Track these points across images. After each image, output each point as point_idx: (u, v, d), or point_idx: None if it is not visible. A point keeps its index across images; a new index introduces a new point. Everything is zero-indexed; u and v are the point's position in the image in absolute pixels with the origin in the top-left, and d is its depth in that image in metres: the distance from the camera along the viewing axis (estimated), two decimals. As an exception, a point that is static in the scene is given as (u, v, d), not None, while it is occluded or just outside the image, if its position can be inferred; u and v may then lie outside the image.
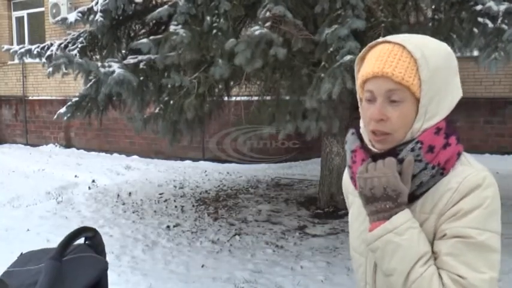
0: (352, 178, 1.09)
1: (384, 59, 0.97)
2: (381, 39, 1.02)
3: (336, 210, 5.35)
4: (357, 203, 1.10)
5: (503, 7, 3.40)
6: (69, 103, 4.63)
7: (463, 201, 0.94)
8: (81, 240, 1.10)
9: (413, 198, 0.98)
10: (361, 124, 1.07)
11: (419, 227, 0.96)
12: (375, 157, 1.00)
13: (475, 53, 4.02)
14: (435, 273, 0.92)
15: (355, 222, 1.13)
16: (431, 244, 0.96)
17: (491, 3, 3.42)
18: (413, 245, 0.93)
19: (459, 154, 1.00)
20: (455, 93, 1.01)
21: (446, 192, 0.96)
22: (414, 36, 1.02)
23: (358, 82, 1.04)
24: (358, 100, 1.07)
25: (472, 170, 0.97)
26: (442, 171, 0.97)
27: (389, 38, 1.01)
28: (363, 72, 1.01)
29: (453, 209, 0.94)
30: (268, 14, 3.15)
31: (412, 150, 0.96)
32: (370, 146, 1.03)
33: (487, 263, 0.92)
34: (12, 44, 11.13)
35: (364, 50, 1.04)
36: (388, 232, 0.95)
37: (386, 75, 0.95)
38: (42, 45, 5.30)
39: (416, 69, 0.95)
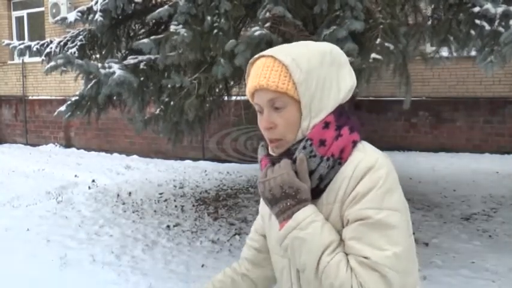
0: None
1: (258, 72, 1.03)
2: (257, 55, 1.08)
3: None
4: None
5: (500, 9, 3.40)
6: (69, 102, 4.63)
7: (359, 185, 0.98)
8: None
9: (319, 192, 1.03)
10: None
11: (322, 219, 0.99)
12: (274, 161, 1.05)
13: (474, 52, 4.02)
14: (342, 259, 0.96)
15: (274, 228, 1.14)
16: (340, 233, 1.00)
17: (488, 6, 3.42)
18: (317, 237, 0.97)
19: (355, 142, 1.04)
20: (342, 86, 1.05)
21: (343, 180, 1.00)
22: (288, 45, 1.08)
23: (249, 98, 1.11)
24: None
25: (363, 155, 1.01)
26: (340, 160, 1.01)
27: (263, 52, 1.06)
28: (247, 88, 1.08)
29: (352, 194, 0.98)
30: (268, 14, 3.15)
31: (304, 148, 1.01)
32: (271, 152, 1.09)
33: (389, 240, 0.94)
34: (12, 44, 11.11)
35: (247, 67, 1.11)
36: (293, 229, 0.99)
37: (263, 87, 1.01)
38: (41, 43, 5.31)
39: (289, 75, 1.00)
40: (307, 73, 1.00)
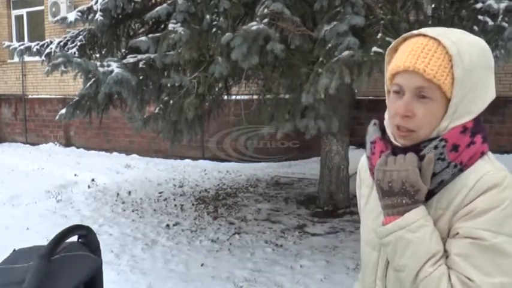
0: (371, 169, 1.06)
1: (417, 53, 0.93)
2: (416, 31, 0.98)
3: (335, 209, 5.36)
4: (374, 196, 1.07)
5: (503, 5, 3.39)
6: (69, 104, 4.64)
7: (479, 200, 0.90)
8: (75, 238, 1.08)
9: (431, 194, 0.96)
10: (386, 116, 1.04)
11: (433, 225, 0.93)
12: (396, 150, 0.98)
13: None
14: (445, 273, 0.90)
15: (370, 216, 1.09)
16: (444, 241, 0.93)
17: (491, 1, 3.42)
18: (425, 243, 0.91)
19: (483, 153, 0.96)
20: (489, 93, 0.97)
21: (462, 188, 0.92)
22: (452, 30, 0.97)
23: (387, 74, 1.01)
24: (386, 92, 1.04)
25: (491, 168, 0.93)
26: (463, 167, 0.94)
27: (424, 30, 0.96)
28: (393, 64, 0.97)
29: (468, 207, 0.91)
30: (266, 10, 3.14)
31: (436, 148, 0.93)
32: (392, 139, 1.00)
33: (499, 268, 0.88)
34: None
35: (397, 40, 1.00)
36: (400, 228, 0.93)
37: (418, 71, 0.92)
38: (41, 43, 5.30)
39: (450, 67, 0.92)
40: (468, 70, 0.91)
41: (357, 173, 1.21)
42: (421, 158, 0.94)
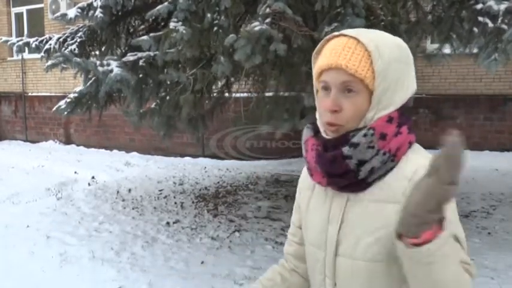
0: (309, 169, 1.10)
1: (338, 51, 0.99)
2: (336, 32, 1.04)
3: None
4: (316, 197, 1.11)
5: (503, 6, 3.37)
6: (68, 99, 4.61)
7: None
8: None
9: (365, 185, 1.00)
10: (317, 115, 1.09)
11: None
12: (326, 144, 1.02)
13: (475, 50, 4.01)
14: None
15: (315, 217, 1.11)
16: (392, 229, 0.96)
17: (491, 2, 3.40)
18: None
19: (410, 143, 1.02)
20: (410, 86, 1.03)
21: (402, 180, 0.97)
22: (368, 30, 1.04)
23: (314, 74, 1.06)
24: (315, 92, 1.09)
25: (424, 160, 0.96)
26: (393, 158, 0.99)
27: (344, 31, 1.03)
28: (318, 64, 1.03)
29: None
30: (268, 10, 3.14)
31: (365, 135, 0.98)
32: (324, 135, 1.05)
33: (464, 254, 0.95)
34: (11, 40, 11.09)
35: (320, 43, 1.06)
36: (446, 240, 0.89)
37: (341, 67, 0.97)
38: (40, 39, 5.29)
39: (370, 62, 0.97)
40: (387, 64, 0.98)
41: None
42: (352, 145, 0.98)
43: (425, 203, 0.86)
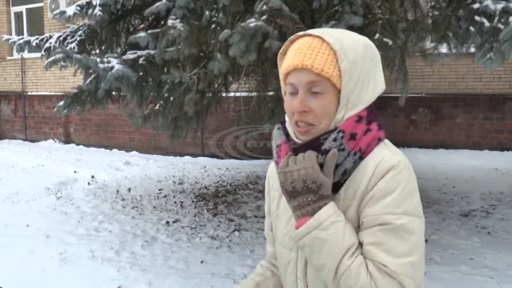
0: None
1: (303, 52, 0.98)
2: (301, 32, 1.03)
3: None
4: (284, 199, 1.10)
5: (500, 6, 3.37)
6: (67, 97, 4.60)
7: (379, 184, 0.95)
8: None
9: (338, 186, 1.00)
10: (286, 118, 1.08)
11: (344, 219, 0.96)
12: (297, 150, 1.01)
13: (472, 49, 4.00)
14: (362, 263, 0.94)
15: (283, 218, 1.12)
16: (357, 231, 0.97)
17: (488, 2, 3.40)
18: (339, 239, 0.94)
19: (379, 140, 1.02)
20: (378, 84, 1.03)
21: (364, 176, 0.97)
22: (333, 29, 1.04)
23: (281, 76, 1.05)
24: (282, 94, 1.08)
25: (387, 152, 0.98)
26: (362, 155, 0.99)
27: (309, 31, 1.02)
28: (284, 65, 1.02)
29: (371, 192, 0.96)
30: (265, 7, 3.13)
31: (335, 140, 0.97)
32: (294, 139, 1.04)
33: (406, 248, 0.93)
34: (11, 40, 11.08)
35: (285, 44, 1.06)
36: (314, 229, 0.95)
37: (306, 67, 0.97)
38: (41, 37, 5.29)
39: (336, 61, 0.97)
40: (353, 63, 0.97)
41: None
42: (324, 153, 0.97)
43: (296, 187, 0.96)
